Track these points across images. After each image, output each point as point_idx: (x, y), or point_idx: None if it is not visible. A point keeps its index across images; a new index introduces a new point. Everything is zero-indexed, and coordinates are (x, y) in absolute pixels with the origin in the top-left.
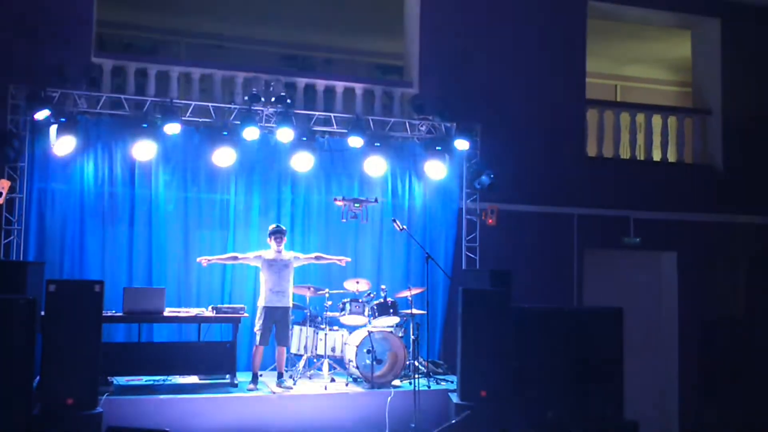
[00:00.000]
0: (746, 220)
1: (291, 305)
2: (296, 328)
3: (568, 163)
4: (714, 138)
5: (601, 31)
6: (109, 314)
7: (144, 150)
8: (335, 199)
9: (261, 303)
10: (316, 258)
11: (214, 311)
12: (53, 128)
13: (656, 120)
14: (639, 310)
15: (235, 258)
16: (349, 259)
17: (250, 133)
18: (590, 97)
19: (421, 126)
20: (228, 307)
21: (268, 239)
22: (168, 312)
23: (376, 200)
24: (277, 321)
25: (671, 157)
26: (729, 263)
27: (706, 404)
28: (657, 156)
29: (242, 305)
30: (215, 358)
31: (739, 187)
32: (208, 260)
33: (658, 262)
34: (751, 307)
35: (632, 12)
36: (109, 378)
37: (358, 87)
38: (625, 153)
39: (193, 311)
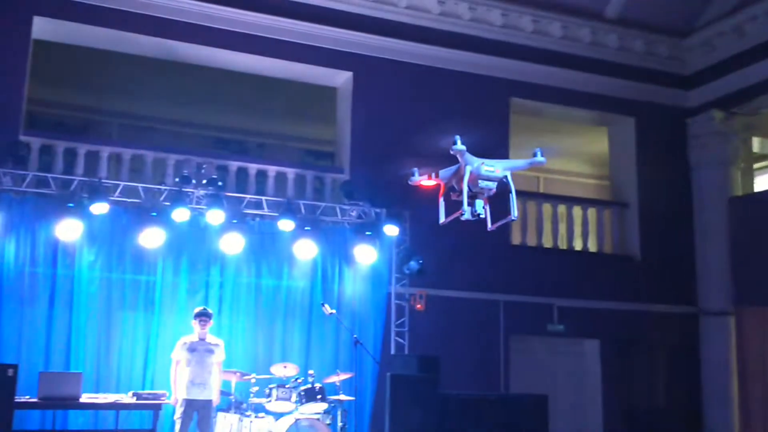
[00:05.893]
0: (664, 310)
1: (213, 398)
2: (220, 415)
3: (494, 251)
4: (631, 229)
5: (524, 125)
6: (23, 400)
7: (68, 229)
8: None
9: (181, 395)
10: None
11: (135, 397)
12: None
13: (577, 211)
14: (564, 397)
15: (178, 363)
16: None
17: (180, 215)
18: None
19: (352, 211)
20: (149, 393)
21: (193, 322)
22: (85, 398)
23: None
24: (199, 410)
25: (592, 247)
26: (649, 351)
27: None
28: (578, 245)
29: (164, 391)
30: None
31: (656, 276)
32: (176, 399)
33: (582, 349)
34: (670, 395)
35: (552, 109)
36: None
37: (290, 171)
38: (547, 242)
39: (112, 397)
